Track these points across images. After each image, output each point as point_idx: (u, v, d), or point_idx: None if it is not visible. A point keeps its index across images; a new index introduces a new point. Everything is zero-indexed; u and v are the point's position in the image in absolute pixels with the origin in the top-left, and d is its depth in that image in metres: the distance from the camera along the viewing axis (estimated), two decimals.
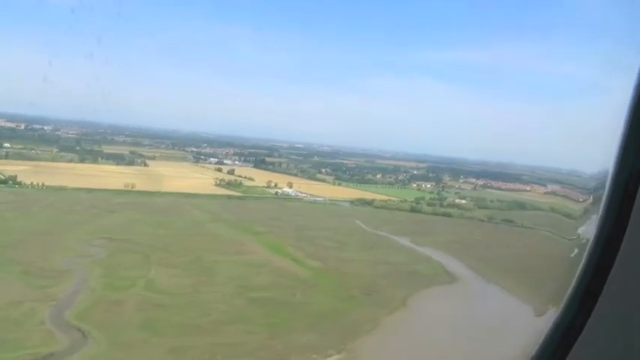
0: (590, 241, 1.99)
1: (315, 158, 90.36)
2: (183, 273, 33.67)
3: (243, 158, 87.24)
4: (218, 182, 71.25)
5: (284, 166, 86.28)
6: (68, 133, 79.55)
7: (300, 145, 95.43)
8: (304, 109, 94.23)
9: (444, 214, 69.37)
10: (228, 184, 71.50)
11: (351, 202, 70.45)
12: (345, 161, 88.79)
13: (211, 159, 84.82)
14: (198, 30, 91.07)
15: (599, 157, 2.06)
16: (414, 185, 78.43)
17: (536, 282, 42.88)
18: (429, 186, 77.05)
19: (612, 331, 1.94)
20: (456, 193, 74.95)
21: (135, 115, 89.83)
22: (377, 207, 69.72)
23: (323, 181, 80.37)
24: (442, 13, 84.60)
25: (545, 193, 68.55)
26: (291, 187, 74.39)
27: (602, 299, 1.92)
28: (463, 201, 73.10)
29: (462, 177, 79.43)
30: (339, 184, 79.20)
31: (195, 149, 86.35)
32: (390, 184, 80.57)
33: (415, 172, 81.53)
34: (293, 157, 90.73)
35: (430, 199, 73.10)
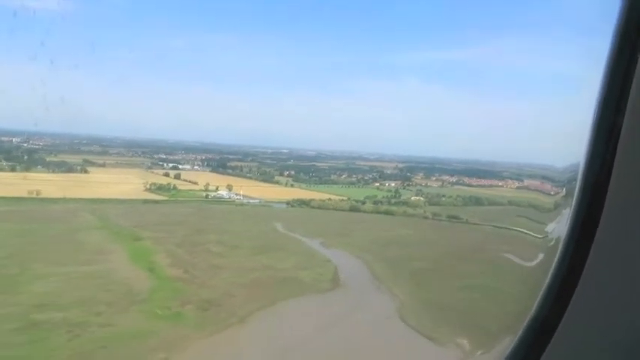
0: (564, 235, 1.90)
1: (291, 162, 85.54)
2: None
3: (206, 163, 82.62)
4: (149, 187, 66.14)
5: (246, 170, 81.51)
6: (27, 143, 75.32)
7: (285, 150, 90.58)
8: (290, 113, 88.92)
9: (386, 212, 64.68)
10: (159, 189, 66.27)
11: (288, 202, 65.44)
12: (318, 164, 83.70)
13: (171, 165, 80.00)
14: (181, 38, 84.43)
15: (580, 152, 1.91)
16: (377, 184, 72.88)
17: (440, 282, 36.30)
18: (393, 185, 71.71)
19: (588, 327, 1.85)
20: (418, 190, 69.89)
21: (126, 127, 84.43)
22: (313, 207, 64.98)
23: (277, 183, 75.73)
24: (426, 14, 78.76)
25: (517, 188, 65.06)
26: (231, 189, 69.16)
27: (576, 294, 1.84)
28: (418, 198, 67.98)
29: (436, 175, 74.14)
30: (292, 186, 74.41)
31: (165, 156, 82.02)
32: (352, 183, 75.99)
33: (389, 171, 76.07)
34: (268, 161, 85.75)
35: (383, 197, 67.90)
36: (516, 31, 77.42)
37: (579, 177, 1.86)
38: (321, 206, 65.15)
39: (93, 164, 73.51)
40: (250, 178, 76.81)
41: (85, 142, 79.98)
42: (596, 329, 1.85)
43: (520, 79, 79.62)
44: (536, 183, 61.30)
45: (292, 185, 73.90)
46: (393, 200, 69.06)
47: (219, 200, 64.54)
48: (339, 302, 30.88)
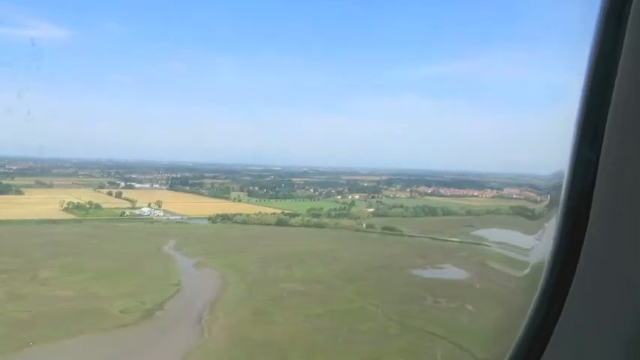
0: (553, 242, 1.84)
1: (270, 177, 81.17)
2: None
3: (170, 182, 78.34)
4: (66, 207, 61.34)
5: (207, 186, 76.90)
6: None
7: (277, 168, 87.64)
8: (283, 131, 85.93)
9: (316, 225, 58.09)
10: (77, 208, 61.37)
11: (210, 218, 59.54)
12: (296, 179, 78.99)
13: (130, 183, 75.77)
14: (177, 60, 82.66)
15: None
16: (339, 197, 68.27)
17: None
18: (358, 197, 67.80)
19: (583, 329, 1.78)
20: (378, 202, 65.92)
21: (126, 150, 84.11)
22: (236, 222, 59.07)
23: (227, 199, 71.00)
24: (419, 30, 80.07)
25: (492, 197, 62.53)
26: (160, 205, 63.81)
27: (569, 300, 1.77)
28: (365, 210, 63.56)
29: (414, 187, 70.57)
30: (240, 201, 69.54)
31: (135, 176, 78.19)
32: (310, 197, 69.62)
33: (366, 184, 72.19)
34: (247, 178, 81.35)
35: (333, 209, 62.86)
36: (505, 44, 76.52)
37: (564, 184, 1.76)
38: (246, 221, 58.96)
39: (42, 185, 70.24)
40: (203, 194, 72.72)
41: (59, 164, 77.67)
42: (591, 332, 1.73)
43: (511, 91, 78.80)
44: (514, 191, 58.20)
45: (240, 200, 69.01)
46: (333, 213, 63.52)
47: (134, 218, 58.85)
48: (115, 344, 23.84)
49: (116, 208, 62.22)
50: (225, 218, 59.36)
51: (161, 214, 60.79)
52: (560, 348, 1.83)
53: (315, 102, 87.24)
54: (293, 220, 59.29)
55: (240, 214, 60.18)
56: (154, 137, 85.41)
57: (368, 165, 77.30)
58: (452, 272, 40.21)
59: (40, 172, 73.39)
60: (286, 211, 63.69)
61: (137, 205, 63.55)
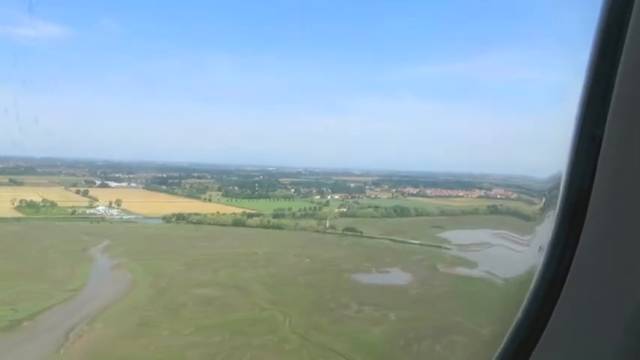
0: (548, 243, 1.82)
1: (260, 177, 78.19)
2: None
3: (150, 181, 75.46)
4: (18, 204, 58.39)
5: (186, 186, 73.83)
6: None
7: (271, 168, 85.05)
8: (280, 132, 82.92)
9: (275, 226, 54.84)
10: (28, 206, 58.36)
11: (164, 218, 56.13)
12: (283, 179, 75.80)
13: (106, 182, 72.89)
14: (176, 58, 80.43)
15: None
16: (318, 197, 65.09)
17: None
18: (337, 197, 64.45)
19: (575, 330, 1.76)
20: (355, 202, 62.90)
21: (122, 149, 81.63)
22: (190, 222, 55.44)
23: (199, 198, 67.90)
24: (419, 29, 73.82)
25: (477, 198, 60.04)
26: (119, 204, 60.57)
27: (562, 299, 1.76)
28: (334, 210, 60.51)
29: (400, 187, 67.37)
30: (210, 201, 66.47)
31: (119, 175, 75.59)
32: (289, 197, 66.49)
33: (353, 185, 68.91)
34: (234, 178, 78.36)
35: (301, 209, 59.75)
36: (505, 44, 71.65)
37: (562, 186, 1.74)
38: (201, 221, 55.34)
39: (14, 183, 67.72)
40: (177, 194, 69.81)
41: (49, 163, 75.57)
42: (583, 333, 1.71)
43: (510, 91, 73.67)
44: (500, 192, 56.71)
45: (210, 200, 65.58)
46: (299, 213, 60.17)
47: (84, 217, 55.47)
48: None
49: (72, 206, 58.87)
50: (180, 218, 55.76)
51: (115, 213, 57.43)
52: (550, 350, 1.80)
53: (312, 102, 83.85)
54: (251, 221, 55.61)
55: (197, 214, 56.52)
56: (152, 137, 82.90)
57: (365, 166, 74.46)
58: (395, 277, 36.11)
59: (24, 171, 70.81)
60: (248, 211, 60.06)
61: (95, 204, 60.22)
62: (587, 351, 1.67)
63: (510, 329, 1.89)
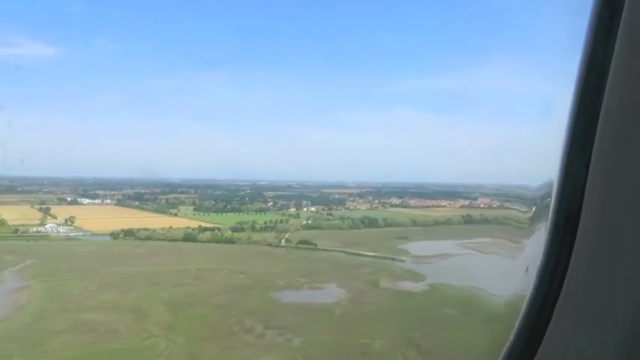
0: (542, 251, 1.80)
1: (247, 191, 76.38)
2: None
3: (125, 198, 73.09)
4: None
5: (163, 202, 71.36)
6: None
7: (263, 183, 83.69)
8: (273, 146, 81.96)
9: (227, 241, 52.43)
10: None
11: (112, 234, 52.90)
12: (268, 193, 73.59)
13: (76, 199, 70.41)
14: (170, 77, 79.71)
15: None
16: (293, 210, 63.03)
17: None
18: (313, 209, 62.60)
19: (574, 334, 1.75)
20: (327, 214, 60.74)
21: (115, 167, 78.82)
22: (139, 238, 52.15)
23: (165, 213, 65.08)
24: (412, 43, 72.52)
25: (460, 207, 58.49)
26: (72, 221, 57.58)
27: (558, 306, 1.75)
28: (300, 221, 58.12)
29: (385, 198, 65.57)
30: (176, 215, 63.79)
31: (99, 192, 73.48)
32: (262, 210, 64.95)
33: (337, 197, 66.91)
34: (218, 193, 76.08)
35: (267, 222, 56.69)
36: (495, 57, 69.21)
37: (554, 194, 1.74)
38: (150, 236, 51.84)
39: None
40: (146, 209, 67.16)
41: (33, 182, 74.06)
42: (582, 336, 1.71)
43: (502, 103, 72.76)
44: (485, 201, 55.87)
45: (177, 215, 62.61)
46: (258, 227, 57.15)
47: (26, 235, 52.34)
48: None
49: (21, 224, 55.97)
50: (128, 234, 52.34)
51: (63, 230, 54.32)
52: (554, 346, 1.79)
53: (305, 116, 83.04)
54: (202, 236, 52.06)
55: (147, 229, 53.03)
56: (145, 154, 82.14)
57: (360, 179, 72.51)
58: (326, 294, 32.13)
59: (3, 190, 68.97)
60: (204, 225, 56.87)
61: (45, 222, 57.23)
62: (587, 354, 1.66)
63: (512, 334, 1.87)
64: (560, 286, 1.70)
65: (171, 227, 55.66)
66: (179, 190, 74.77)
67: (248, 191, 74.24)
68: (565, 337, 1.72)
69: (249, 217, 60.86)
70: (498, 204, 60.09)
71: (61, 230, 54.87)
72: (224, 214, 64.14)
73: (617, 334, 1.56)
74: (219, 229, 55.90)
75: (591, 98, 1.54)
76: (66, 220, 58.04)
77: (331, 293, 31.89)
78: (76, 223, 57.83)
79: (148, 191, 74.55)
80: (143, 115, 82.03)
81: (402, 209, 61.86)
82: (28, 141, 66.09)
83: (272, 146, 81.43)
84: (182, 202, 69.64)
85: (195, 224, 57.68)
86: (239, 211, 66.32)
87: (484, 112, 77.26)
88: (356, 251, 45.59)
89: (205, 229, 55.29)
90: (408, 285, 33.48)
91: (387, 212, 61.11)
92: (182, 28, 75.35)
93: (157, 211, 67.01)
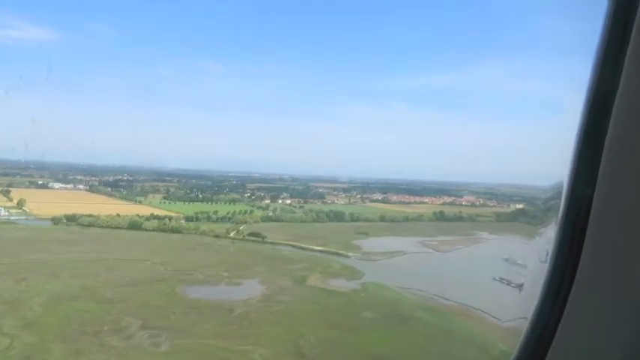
0: (552, 248, 1.82)
1: (233, 182, 74.21)
2: None
3: (100, 184, 70.16)
4: None
5: (138, 190, 68.46)
6: None
7: (256, 175, 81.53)
8: (268, 139, 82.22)
9: (173, 230, 47.79)
10: None
11: (53, 219, 49.47)
12: (250, 185, 70.96)
13: (46, 183, 67.56)
14: (170, 66, 78.30)
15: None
16: (267, 201, 61.19)
17: None
18: (289, 202, 60.77)
19: (584, 336, 1.77)
20: (300, 207, 58.54)
21: (110, 154, 76.30)
22: (81, 224, 48.98)
23: (132, 200, 62.00)
24: (411, 40, 73.98)
25: (442, 204, 57.37)
26: (22, 205, 54.39)
27: (569, 305, 1.75)
28: (264, 213, 56.49)
29: (368, 194, 64.32)
30: (140, 203, 60.89)
31: (80, 177, 71.07)
32: (236, 200, 61.20)
33: (321, 190, 65.61)
34: (202, 182, 73.17)
35: (228, 212, 54.36)
36: (495, 55, 69.54)
37: (564, 192, 1.75)
38: (92, 223, 48.24)
39: None
40: (115, 196, 64.21)
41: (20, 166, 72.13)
42: (595, 332, 1.72)
43: (500, 101, 72.90)
44: (471, 199, 55.65)
45: (141, 202, 59.40)
46: (214, 217, 53.75)
47: None
48: None
49: None
50: (70, 219, 48.82)
51: (4, 214, 50.97)
52: (564, 347, 1.81)
53: (302, 110, 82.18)
54: (147, 224, 48.33)
55: (90, 216, 49.34)
56: (141, 142, 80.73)
57: (354, 174, 71.19)
58: (240, 290, 28.23)
59: None
60: (156, 214, 53.26)
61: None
62: (600, 345, 1.66)
63: (525, 329, 1.87)
64: (571, 282, 1.66)
65: (118, 214, 51.82)
66: (165, 179, 72.09)
67: (234, 182, 71.64)
68: (574, 342, 1.69)
69: (215, 207, 57.44)
70: (482, 202, 57.10)
71: (2, 213, 51.41)
72: (191, 203, 60.73)
73: (629, 329, 1.54)
74: (170, 218, 52.02)
75: (604, 99, 1.50)
76: (17, 203, 54.70)
77: (246, 290, 27.88)
78: (28, 207, 54.41)
79: (131, 178, 71.94)
80: (141, 103, 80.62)
81: (381, 204, 59.52)
82: (22, 126, 64.29)
83: (267, 139, 79.80)
84: (157, 191, 66.48)
85: (148, 212, 53.97)
86: (210, 200, 62.96)
87: (480, 110, 74.52)
88: (304, 245, 41.69)
89: (156, 217, 51.50)
90: (338, 283, 29.32)
91: (362, 207, 58.50)
92: (181, 17, 74.47)
93: (124, 198, 63.83)
